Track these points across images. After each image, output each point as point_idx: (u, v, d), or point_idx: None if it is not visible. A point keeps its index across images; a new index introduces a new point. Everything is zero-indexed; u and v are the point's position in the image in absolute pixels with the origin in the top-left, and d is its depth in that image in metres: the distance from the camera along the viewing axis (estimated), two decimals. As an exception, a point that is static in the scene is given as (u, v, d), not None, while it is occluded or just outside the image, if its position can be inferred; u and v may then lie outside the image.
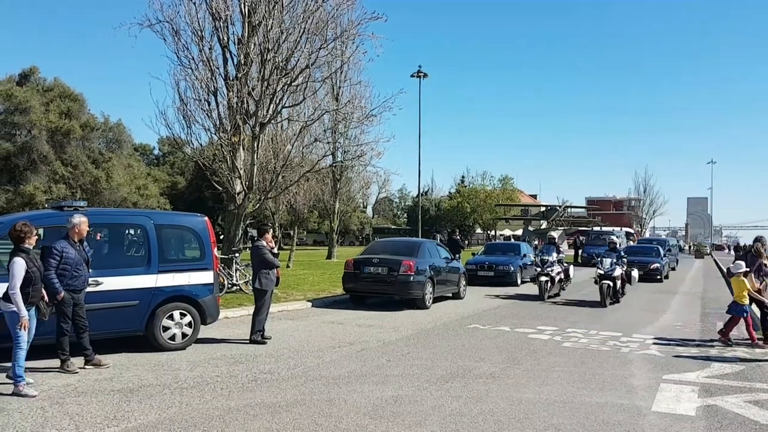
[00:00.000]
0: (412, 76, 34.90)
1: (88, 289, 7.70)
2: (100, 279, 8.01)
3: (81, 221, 7.41)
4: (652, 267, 24.68)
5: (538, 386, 7.10)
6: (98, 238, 9.07)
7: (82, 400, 6.08)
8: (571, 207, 50.14)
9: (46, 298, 6.89)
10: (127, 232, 9.41)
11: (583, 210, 64.80)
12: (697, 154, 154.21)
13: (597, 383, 7.32)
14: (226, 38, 15.79)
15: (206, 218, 9.84)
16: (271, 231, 10.21)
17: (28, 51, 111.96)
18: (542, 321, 12.46)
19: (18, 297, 6.27)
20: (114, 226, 9.29)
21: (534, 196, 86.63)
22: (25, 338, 6.37)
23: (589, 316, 13.58)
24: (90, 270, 7.64)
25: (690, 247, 79.17)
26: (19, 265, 6.33)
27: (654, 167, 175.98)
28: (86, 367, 7.45)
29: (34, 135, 30.76)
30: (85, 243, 7.64)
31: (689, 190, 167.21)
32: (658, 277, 24.79)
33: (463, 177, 78.41)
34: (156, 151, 62.00)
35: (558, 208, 43.05)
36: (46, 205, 10.25)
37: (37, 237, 6.81)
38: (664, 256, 27.62)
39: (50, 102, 32.79)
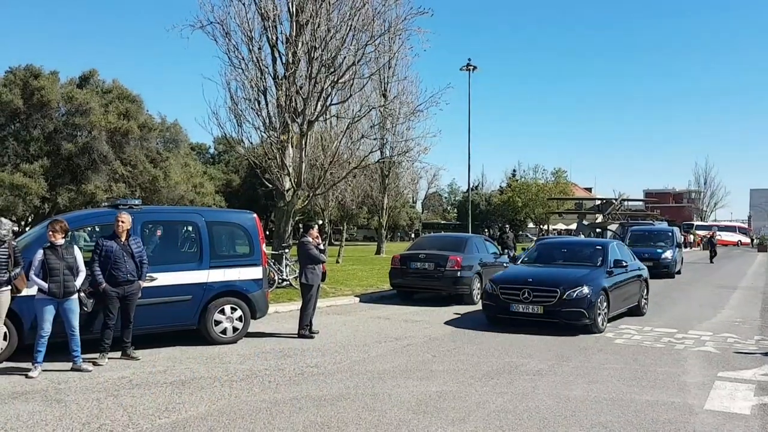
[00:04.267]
0: (461, 69, 34.60)
1: (144, 284, 8.00)
2: (154, 275, 8.29)
3: (119, 218, 7.75)
4: (663, 258, 22.35)
5: (586, 384, 6.96)
6: (158, 234, 9.45)
7: (135, 392, 6.33)
8: (628, 200, 48.71)
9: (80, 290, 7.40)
10: (180, 229, 9.72)
11: (640, 203, 62.93)
12: (762, 144, 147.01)
13: (648, 381, 7.13)
14: (274, 38, 16.05)
15: (255, 215, 10.06)
16: (317, 227, 10.33)
17: (87, 54, 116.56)
18: (594, 317, 12.18)
19: (34, 278, 7.05)
20: (168, 223, 9.61)
21: (589, 189, 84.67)
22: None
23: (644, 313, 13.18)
24: (145, 265, 7.94)
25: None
26: (36, 256, 7.11)
27: (715, 158, 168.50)
28: (122, 358, 7.82)
29: (95, 135, 31.95)
30: (136, 238, 7.93)
31: (754, 182, 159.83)
32: (667, 270, 22.05)
33: (514, 171, 77.41)
34: (211, 150, 63.62)
35: (614, 201, 41.89)
36: (104, 204, 10.68)
37: (64, 234, 7.25)
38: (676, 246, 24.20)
39: (109, 103, 34.00)
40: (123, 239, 7.74)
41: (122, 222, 7.77)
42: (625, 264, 11.51)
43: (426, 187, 72.47)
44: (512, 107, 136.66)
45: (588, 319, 10.00)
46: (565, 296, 9.99)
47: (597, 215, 42.61)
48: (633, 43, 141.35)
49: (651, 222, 34.65)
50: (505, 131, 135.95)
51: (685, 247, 40.65)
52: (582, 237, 25.92)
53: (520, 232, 70.23)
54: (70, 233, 7.53)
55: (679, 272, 23.84)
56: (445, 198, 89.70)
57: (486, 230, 35.53)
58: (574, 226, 46.39)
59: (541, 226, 67.30)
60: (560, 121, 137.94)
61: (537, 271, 11.41)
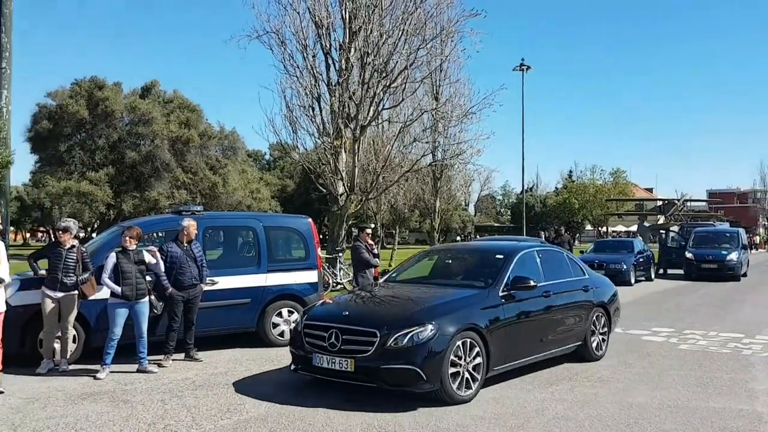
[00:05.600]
0: (514, 69, 34.20)
1: (205, 288, 8.24)
2: (215, 278, 8.52)
3: (188, 224, 7.99)
4: (728, 261, 21.37)
5: (650, 390, 6.75)
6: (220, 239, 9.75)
7: (198, 393, 6.51)
8: (691, 200, 47.02)
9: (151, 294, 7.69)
10: (239, 234, 9.97)
11: (703, 204, 60.62)
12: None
13: (715, 387, 6.86)
14: (328, 45, 16.29)
15: (310, 220, 10.22)
16: (370, 230, 10.39)
17: (149, 66, 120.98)
18: (657, 322, 11.80)
19: (107, 281, 7.27)
20: (227, 228, 9.89)
21: (649, 190, 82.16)
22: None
23: (709, 316, 12.69)
24: (205, 269, 8.18)
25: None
26: (109, 259, 7.35)
27: None
28: (185, 360, 8.04)
29: (157, 144, 33.14)
30: (197, 243, 8.17)
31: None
32: (732, 272, 21.11)
33: (570, 171, 75.91)
34: (267, 157, 64.95)
35: (676, 201, 40.54)
36: (167, 210, 11.08)
37: (132, 240, 7.51)
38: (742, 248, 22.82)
39: (171, 113, 35.21)
40: (187, 245, 7.99)
41: (192, 229, 8.01)
42: (532, 284, 6.99)
43: (479, 190, 71.77)
44: (568, 106, 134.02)
45: (428, 383, 5.86)
46: (388, 343, 5.91)
47: (658, 216, 41.30)
48: (693, 34, 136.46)
49: (712, 223, 33.20)
50: (560, 131, 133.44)
51: (751, 248, 38.87)
52: (557, 244, 24.03)
53: (578, 235, 68.74)
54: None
55: (745, 275, 22.85)
56: (499, 200, 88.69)
57: (541, 233, 34.87)
58: (634, 228, 45.04)
59: (600, 229, 65.63)
60: (619, 120, 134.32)
61: (372, 297, 7.47)
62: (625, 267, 19.73)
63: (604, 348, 8.40)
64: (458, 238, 73.31)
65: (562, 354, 7.80)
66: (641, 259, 21.08)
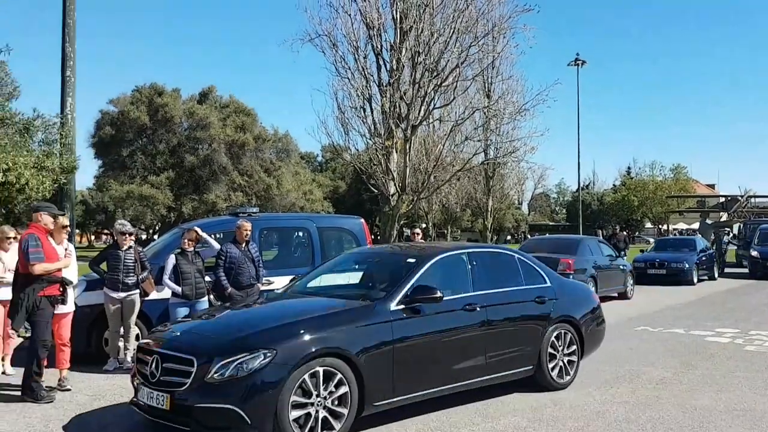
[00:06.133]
0: (569, 64, 33.59)
1: (262, 287, 8.41)
2: (271, 278, 8.68)
3: (240, 225, 8.17)
4: None
5: (714, 393, 6.50)
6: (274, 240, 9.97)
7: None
8: (756, 196, 44.95)
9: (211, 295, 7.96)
10: (293, 235, 10.14)
11: (768, 199, 57.87)
12: None
13: (786, 393, 6.54)
14: (379, 46, 16.36)
15: (362, 220, 10.30)
16: (419, 230, 10.39)
17: (205, 72, 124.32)
18: (721, 322, 11.36)
19: (168, 282, 7.65)
20: (282, 229, 10.08)
21: (711, 186, 79.00)
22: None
23: (780, 318, 12.12)
24: (262, 269, 8.36)
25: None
26: (169, 260, 7.69)
27: None
28: None
29: (214, 148, 34.07)
30: (254, 244, 8.36)
31: None
32: None
33: (629, 168, 73.91)
34: (319, 158, 65.87)
35: (740, 198, 38.84)
36: (225, 212, 11.39)
37: (190, 242, 7.85)
38: None
39: (227, 117, 36.14)
40: (243, 245, 8.19)
41: (246, 230, 8.21)
42: (436, 295, 5.51)
43: (533, 188, 70.90)
44: (625, 100, 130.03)
45: (254, 429, 4.56)
46: (209, 374, 4.64)
47: (721, 213, 39.67)
48: (754, 24, 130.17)
49: None
50: (617, 126, 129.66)
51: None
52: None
53: (636, 234, 66.79)
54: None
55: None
56: (553, 198, 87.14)
57: (598, 231, 34.06)
58: (696, 225, 43.44)
59: (660, 226, 63.58)
60: (679, 114, 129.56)
61: (227, 313, 6.06)
62: (687, 266, 19.06)
63: (571, 374, 6.75)
64: (509, 237, 72.38)
65: (506, 381, 6.30)
66: (704, 258, 20.33)
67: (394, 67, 16.02)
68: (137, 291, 7.64)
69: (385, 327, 5.29)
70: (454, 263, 6.39)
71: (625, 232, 26.60)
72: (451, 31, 15.63)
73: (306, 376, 4.73)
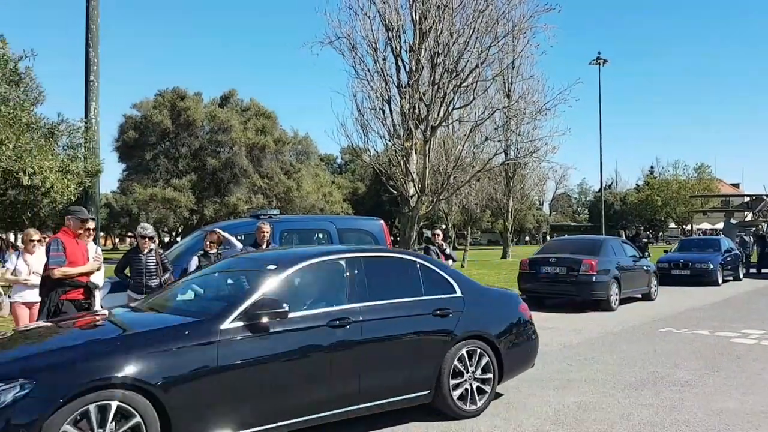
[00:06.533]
0: (590, 63, 33.29)
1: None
2: (291, 280, 8.73)
3: (259, 227, 8.27)
4: None
5: (740, 395, 6.38)
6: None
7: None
8: (781, 196, 44.05)
9: None
10: (313, 236, 10.18)
11: (796, 199, 56.73)
12: None
13: (818, 396, 6.39)
14: (398, 47, 16.40)
15: (382, 221, 10.32)
16: (439, 232, 10.35)
17: (227, 75, 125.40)
18: (748, 323, 11.14)
19: None
20: (302, 231, 10.12)
21: (736, 185, 77.63)
22: None
23: (810, 320, 11.86)
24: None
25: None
26: (191, 262, 7.84)
27: None
28: None
29: (235, 151, 34.39)
30: (274, 245, 8.41)
31: None
32: None
33: (652, 167, 72.93)
34: (338, 160, 66.11)
35: (765, 197, 38.08)
36: (246, 215, 11.49)
37: (218, 245, 8.00)
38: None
39: (247, 121, 36.45)
40: (264, 247, 8.25)
41: (265, 231, 8.27)
42: (281, 310, 4.64)
43: (554, 188, 70.23)
44: (647, 100, 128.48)
45: None
46: None
47: (746, 213, 38.95)
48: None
49: None
50: (640, 125, 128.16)
51: None
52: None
53: (660, 233, 65.90)
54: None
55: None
56: (575, 199, 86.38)
57: (621, 231, 33.71)
58: (720, 225, 42.74)
59: (684, 226, 62.68)
60: (702, 113, 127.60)
61: (48, 330, 4.97)
62: (711, 266, 18.75)
63: (480, 401, 5.74)
64: (527, 238, 71.79)
65: (395, 408, 5.36)
66: (729, 258, 19.99)
67: (414, 68, 16.04)
68: None
69: (208, 350, 4.31)
70: (326, 271, 5.41)
71: (649, 233, 26.30)
72: (471, 31, 15.61)
73: (89, 413, 3.81)
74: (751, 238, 25.33)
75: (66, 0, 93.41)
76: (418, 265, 5.92)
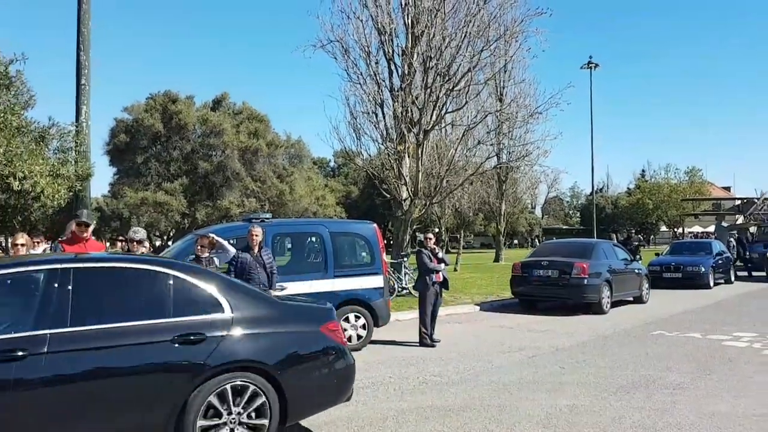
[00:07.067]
0: (581, 67, 33.45)
1: (274, 293, 8.41)
2: (284, 284, 8.70)
3: (250, 231, 8.22)
4: None
5: (732, 398, 6.40)
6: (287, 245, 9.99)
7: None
8: (773, 199, 44.38)
9: None
10: (306, 240, 10.16)
11: (787, 202, 57.18)
12: None
13: (808, 399, 6.43)
14: (390, 51, 16.42)
15: (375, 225, 10.29)
16: (431, 235, 10.34)
17: (219, 79, 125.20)
18: (739, 326, 11.20)
19: None
20: (295, 235, 10.11)
21: (727, 189, 78.13)
22: None
23: (800, 322, 11.94)
24: (275, 275, 8.37)
25: None
26: None
27: None
28: None
29: (228, 154, 34.27)
30: (267, 250, 8.38)
31: None
32: None
33: (643, 171, 73.29)
34: (332, 164, 66.07)
35: (756, 200, 38.35)
36: (238, 218, 11.46)
37: (210, 249, 7.88)
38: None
39: (240, 124, 36.35)
40: (256, 251, 8.21)
41: (255, 235, 8.24)
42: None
43: (546, 192, 70.53)
44: (639, 103, 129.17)
45: None
46: None
47: (737, 216, 39.23)
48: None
49: None
50: (632, 129, 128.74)
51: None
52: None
53: (651, 237, 66.19)
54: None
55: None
56: (567, 202, 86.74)
57: (612, 235, 33.86)
58: (712, 228, 43.02)
59: (675, 229, 63.02)
60: (693, 116, 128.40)
61: None
62: (703, 269, 18.84)
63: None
64: (515, 241, 71.88)
65: None
66: (720, 261, 20.10)
67: (406, 72, 16.07)
68: None
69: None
70: (13, 286, 4.29)
71: (640, 236, 26.46)
72: (463, 35, 15.65)
73: None
74: (732, 242, 25.53)
75: (59, 0, 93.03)
76: (170, 279, 4.67)
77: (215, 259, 7.93)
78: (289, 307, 5.39)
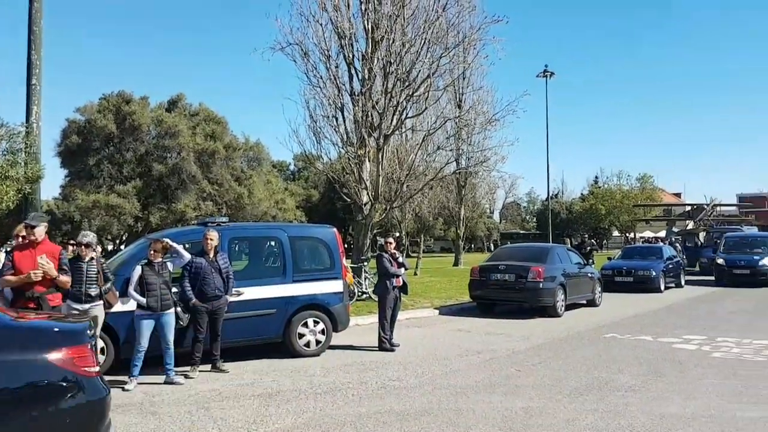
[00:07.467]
0: (537, 76, 34.05)
1: (231, 299, 8.30)
2: (241, 289, 8.58)
3: (205, 235, 8.11)
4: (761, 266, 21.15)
5: (682, 400, 6.60)
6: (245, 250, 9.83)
7: (225, 405, 6.54)
8: (721, 205, 46.07)
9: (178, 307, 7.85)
10: (264, 244, 10.04)
11: (734, 208, 59.45)
12: None
13: (750, 396, 6.67)
14: (351, 55, 16.40)
15: (335, 229, 10.24)
16: (392, 240, 10.37)
17: (174, 79, 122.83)
18: (689, 330, 11.56)
19: (133, 293, 7.50)
20: (253, 239, 9.97)
21: (677, 195, 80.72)
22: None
23: (742, 323, 12.40)
24: (232, 280, 8.25)
25: None
26: (134, 271, 7.55)
27: None
28: (212, 371, 8.07)
29: (183, 157, 33.61)
30: (223, 255, 8.25)
31: None
32: (765, 278, 20.72)
33: (596, 177, 75.08)
34: (292, 167, 65.52)
35: (705, 206, 39.74)
36: (194, 222, 11.24)
37: (163, 253, 7.73)
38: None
39: (196, 125, 35.72)
40: (211, 256, 8.08)
41: (210, 239, 8.11)
42: None
43: (504, 197, 71.59)
44: (593, 112, 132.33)
45: None
46: None
47: (687, 222, 40.56)
48: (720, 37, 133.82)
49: (739, 227, 32.57)
50: (586, 137, 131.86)
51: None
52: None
53: (604, 241, 67.80)
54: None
55: (779, 280, 22.26)
56: (524, 207, 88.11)
57: (566, 240, 34.54)
58: (663, 234, 44.35)
59: (627, 235, 64.74)
60: (645, 125, 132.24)
61: None
62: (654, 273, 19.39)
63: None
64: (464, 247, 72.71)
65: None
66: (671, 266, 20.72)
67: (366, 77, 16.08)
68: (101, 302, 7.46)
69: None
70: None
71: (593, 240, 27.11)
72: (423, 41, 15.77)
73: None
74: (678, 246, 26.41)
75: (8, 0, 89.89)
76: None
77: (169, 264, 7.76)
78: (20, 326, 4.39)
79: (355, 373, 8.00)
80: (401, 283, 10.03)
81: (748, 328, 11.66)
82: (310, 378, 7.74)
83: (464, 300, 15.61)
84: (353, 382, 7.48)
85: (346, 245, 40.11)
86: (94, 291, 7.35)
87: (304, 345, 9.14)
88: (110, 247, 37.31)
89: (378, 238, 26.84)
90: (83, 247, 7.32)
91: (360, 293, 15.64)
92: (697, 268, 27.15)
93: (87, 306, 7.30)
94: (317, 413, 6.16)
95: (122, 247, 35.08)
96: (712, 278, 22.66)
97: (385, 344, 9.66)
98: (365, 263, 16.27)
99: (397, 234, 29.26)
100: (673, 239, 30.57)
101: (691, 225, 38.49)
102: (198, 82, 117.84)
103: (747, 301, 16.63)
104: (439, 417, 5.98)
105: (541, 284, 13.37)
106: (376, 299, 14.33)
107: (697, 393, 6.89)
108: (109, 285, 7.55)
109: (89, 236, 7.67)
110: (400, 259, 10.16)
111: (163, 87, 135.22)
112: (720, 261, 22.13)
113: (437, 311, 14.27)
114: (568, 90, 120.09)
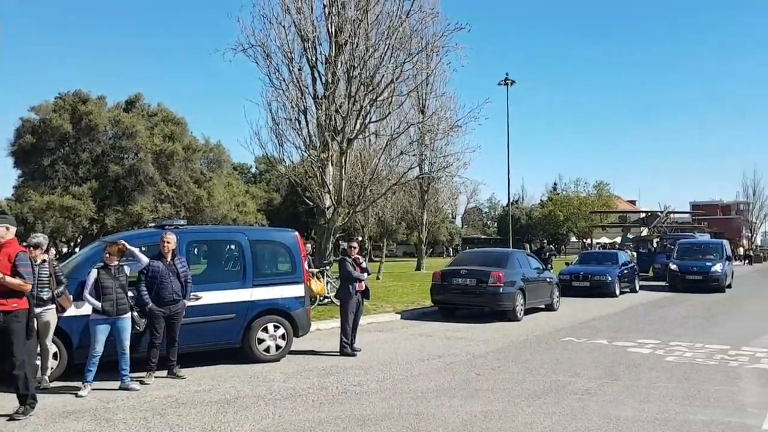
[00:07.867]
0: (498, 84, 34.50)
1: (189, 303, 8.13)
2: (199, 294, 8.41)
3: (162, 238, 7.95)
4: (712, 272, 21.82)
5: (637, 403, 6.74)
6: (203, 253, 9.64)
7: (182, 411, 6.40)
8: (674, 212, 47.45)
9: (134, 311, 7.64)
10: (224, 248, 9.87)
11: (687, 215, 61.29)
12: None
13: (702, 400, 6.86)
14: (314, 58, 16.32)
15: (297, 233, 10.14)
16: (355, 245, 10.32)
17: (133, 79, 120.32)
18: (643, 334, 11.84)
19: (88, 297, 7.21)
20: (212, 242, 9.79)
21: (633, 202, 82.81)
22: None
23: (695, 328, 12.77)
24: (190, 285, 8.08)
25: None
26: (90, 275, 7.29)
27: (764, 168, 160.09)
28: (168, 377, 7.91)
29: (141, 158, 32.94)
30: (181, 258, 8.09)
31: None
32: (717, 284, 21.49)
33: (555, 184, 76.54)
34: (253, 170, 64.82)
35: (659, 213, 40.85)
36: (151, 224, 10.96)
37: (120, 256, 7.49)
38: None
39: (155, 126, 35.06)
40: (168, 259, 7.91)
41: (168, 242, 7.94)
42: None
43: (466, 202, 72.04)
44: (554, 120, 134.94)
45: None
46: None
47: (642, 228, 41.65)
48: (674, 49, 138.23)
49: (692, 234, 33.66)
50: (545, 144, 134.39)
51: (736, 260, 39.41)
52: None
53: (562, 247, 69.06)
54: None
55: (729, 286, 23.05)
56: (485, 213, 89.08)
57: (526, 245, 35.09)
58: (619, 240, 45.41)
59: (584, 240, 66.09)
60: (602, 133, 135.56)
61: None
62: (609, 278, 19.83)
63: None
64: (436, 250, 73.19)
65: None
66: (626, 271, 21.22)
67: (330, 80, 16.03)
68: (53, 306, 7.24)
69: None
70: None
71: (552, 246, 27.60)
72: (386, 47, 15.81)
73: None
74: (632, 252, 27.13)
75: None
76: None
77: (125, 267, 7.56)
78: None
79: (315, 378, 7.94)
80: (363, 288, 10.01)
81: (700, 333, 12.00)
82: (270, 384, 7.64)
83: (426, 304, 15.67)
84: (313, 388, 7.42)
85: (308, 249, 39.93)
86: (46, 295, 7.13)
87: (264, 350, 9.02)
88: (65, 250, 36.25)
89: (341, 242, 26.76)
90: (32, 248, 7.09)
91: (322, 298, 15.54)
92: (651, 274, 27.89)
93: (38, 310, 7.07)
94: (276, 419, 6.08)
95: (77, 249, 34.09)
96: (666, 283, 23.27)
97: (346, 349, 9.61)
98: (327, 268, 16.18)
99: (360, 238, 29.23)
100: (626, 245, 31.35)
101: (645, 231, 39.53)
102: (158, 82, 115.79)
103: (699, 306, 17.13)
104: (399, 422, 5.97)
105: (501, 289, 13.53)
106: (339, 304, 14.26)
107: (651, 396, 7.05)
108: (62, 288, 7.33)
109: (39, 237, 7.43)
110: (363, 264, 10.13)
111: (120, 86, 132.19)
112: (673, 267, 22.76)
113: (399, 316, 14.28)
114: (529, 98, 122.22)
